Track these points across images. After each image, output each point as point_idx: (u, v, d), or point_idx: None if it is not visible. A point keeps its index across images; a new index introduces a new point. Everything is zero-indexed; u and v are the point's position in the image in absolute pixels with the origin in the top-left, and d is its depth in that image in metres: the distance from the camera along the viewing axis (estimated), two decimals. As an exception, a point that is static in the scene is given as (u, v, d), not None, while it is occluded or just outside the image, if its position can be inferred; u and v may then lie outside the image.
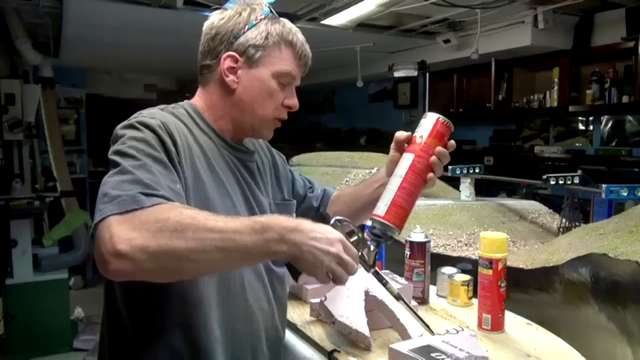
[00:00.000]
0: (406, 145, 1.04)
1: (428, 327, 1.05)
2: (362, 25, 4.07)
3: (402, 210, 0.99)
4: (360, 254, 0.92)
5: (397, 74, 4.32)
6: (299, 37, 1.06)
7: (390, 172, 1.05)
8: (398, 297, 1.02)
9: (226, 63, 1.02)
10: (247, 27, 1.02)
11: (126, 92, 6.85)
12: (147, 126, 0.91)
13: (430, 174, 1.00)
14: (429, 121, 1.02)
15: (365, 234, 0.98)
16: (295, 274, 0.91)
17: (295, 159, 3.04)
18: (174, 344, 0.94)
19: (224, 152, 1.05)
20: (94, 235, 0.77)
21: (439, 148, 1.00)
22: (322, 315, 1.19)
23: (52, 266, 3.94)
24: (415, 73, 4.33)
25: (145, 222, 0.76)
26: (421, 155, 1.00)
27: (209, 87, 1.07)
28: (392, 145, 1.08)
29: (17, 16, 3.89)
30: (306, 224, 0.85)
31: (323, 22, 3.84)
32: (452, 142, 1.03)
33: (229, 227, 0.79)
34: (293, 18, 3.83)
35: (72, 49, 4.75)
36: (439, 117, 1.02)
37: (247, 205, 1.06)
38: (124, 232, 0.74)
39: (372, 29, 4.20)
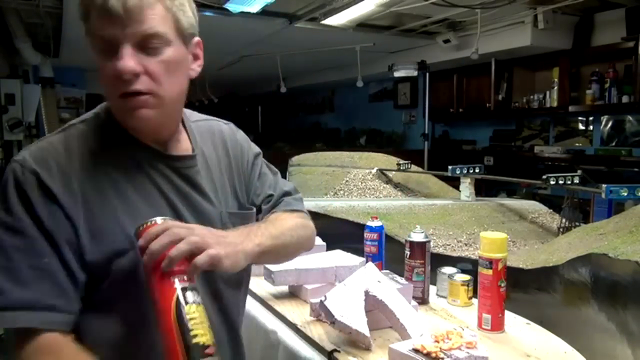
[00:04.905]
0: None
1: None
2: (362, 25, 4.07)
3: None
4: None
5: (397, 74, 4.33)
6: None
7: None
8: None
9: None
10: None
11: (126, 92, 6.84)
12: (9, 194, 0.79)
13: None
14: None
15: None
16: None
17: (295, 159, 3.04)
18: None
19: (143, 163, 0.88)
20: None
21: None
22: (322, 315, 1.19)
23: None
24: (415, 73, 4.34)
25: None
26: None
27: None
28: None
29: (17, 16, 3.90)
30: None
31: (323, 22, 3.85)
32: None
33: None
34: (293, 18, 3.83)
35: (72, 49, 4.76)
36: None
37: (179, 220, 0.87)
38: None
39: (372, 29, 4.20)
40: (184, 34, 0.85)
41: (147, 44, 0.80)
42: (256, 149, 1.12)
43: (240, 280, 1.02)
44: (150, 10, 0.80)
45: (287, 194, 1.11)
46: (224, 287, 0.96)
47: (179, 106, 0.91)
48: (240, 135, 1.10)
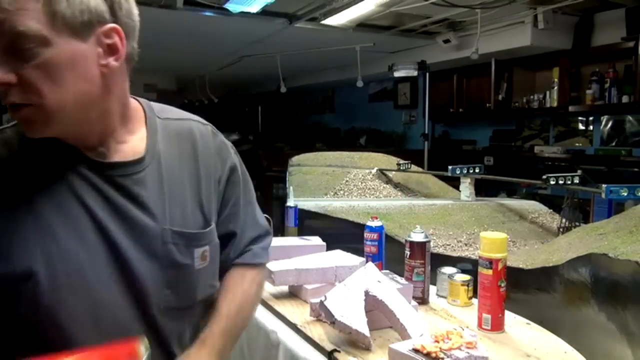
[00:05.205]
0: None
1: None
2: (362, 25, 4.07)
3: None
4: None
5: (397, 74, 4.33)
6: None
7: None
8: None
9: None
10: None
11: (126, 92, 6.85)
12: None
13: None
14: None
15: None
16: None
17: (295, 159, 3.04)
18: None
19: (67, 171, 0.77)
20: None
21: None
22: (322, 315, 1.19)
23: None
24: (415, 73, 4.33)
25: None
26: None
27: None
28: None
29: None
30: None
31: (323, 22, 3.85)
32: None
33: None
34: (293, 18, 3.83)
35: (72, 49, 4.75)
36: None
37: (103, 238, 0.77)
38: None
39: (372, 29, 4.21)
40: (71, 26, 0.69)
41: (16, 48, 0.66)
42: (235, 159, 0.96)
43: (182, 313, 0.86)
44: (9, 5, 0.65)
45: (254, 240, 0.98)
46: (160, 317, 0.82)
47: (93, 113, 0.76)
48: (219, 140, 0.94)
